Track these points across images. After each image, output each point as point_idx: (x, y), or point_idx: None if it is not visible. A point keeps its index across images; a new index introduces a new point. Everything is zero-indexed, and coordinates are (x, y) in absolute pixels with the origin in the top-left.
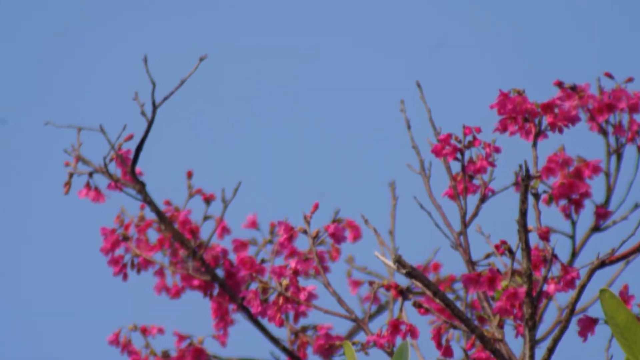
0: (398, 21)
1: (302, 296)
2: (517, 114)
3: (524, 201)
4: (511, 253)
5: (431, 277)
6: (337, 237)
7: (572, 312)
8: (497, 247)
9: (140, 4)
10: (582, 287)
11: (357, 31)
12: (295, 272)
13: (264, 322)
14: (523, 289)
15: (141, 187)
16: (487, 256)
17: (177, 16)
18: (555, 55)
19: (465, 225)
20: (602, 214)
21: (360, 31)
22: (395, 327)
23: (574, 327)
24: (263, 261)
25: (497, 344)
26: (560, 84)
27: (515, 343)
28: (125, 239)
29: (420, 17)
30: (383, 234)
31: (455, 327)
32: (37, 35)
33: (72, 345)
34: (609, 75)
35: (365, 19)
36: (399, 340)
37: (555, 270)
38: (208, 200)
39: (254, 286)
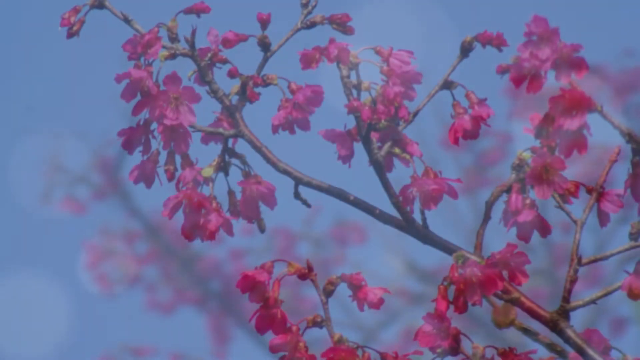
0: (396, 18)
1: (307, 306)
2: (532, 99)
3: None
4: (532, 250)
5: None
6: (342, 241)
7: (599, 311)
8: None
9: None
10: (610, 284)
11: (358, 30)
12: (298, 281)
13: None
14: (546, 288)
15: (127, 196)
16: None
17: (168, 13)
18: (574, 34)
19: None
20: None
21: (360, 30)
22: (408, 335)
23: (602, 327)
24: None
25: (520, 348)
26: None
27: (539, 347)
28: (111, 253)
29: (420, 9)
30: (391, 236)
31: (474, 333)
32: (17, 34)
33: None
34: (631, 53)
35: (360, 20)
36: (413, 349)
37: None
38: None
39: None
